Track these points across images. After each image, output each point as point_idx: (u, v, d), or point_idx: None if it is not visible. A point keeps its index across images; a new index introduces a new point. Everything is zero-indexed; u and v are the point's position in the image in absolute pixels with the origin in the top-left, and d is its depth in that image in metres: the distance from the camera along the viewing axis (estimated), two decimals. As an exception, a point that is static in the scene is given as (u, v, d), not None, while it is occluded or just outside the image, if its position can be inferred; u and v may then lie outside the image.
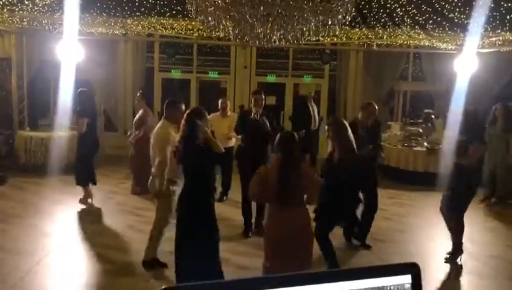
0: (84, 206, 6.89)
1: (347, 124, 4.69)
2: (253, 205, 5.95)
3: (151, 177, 4.81)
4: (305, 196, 3.91)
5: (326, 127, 4.73)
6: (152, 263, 4.83)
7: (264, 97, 6.08)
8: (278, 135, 4.07)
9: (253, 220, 6.01)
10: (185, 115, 4.24)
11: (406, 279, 0.77)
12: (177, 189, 4.72)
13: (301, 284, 0.69)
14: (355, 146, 4.61)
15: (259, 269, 4.29)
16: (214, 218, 4.25)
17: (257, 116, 5.86)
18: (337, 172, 4.53)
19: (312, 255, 4.03)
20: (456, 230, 5.25)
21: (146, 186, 6.68)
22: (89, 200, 7.01)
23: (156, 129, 4.83)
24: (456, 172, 5.15)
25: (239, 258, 5.17)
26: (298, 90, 11.95)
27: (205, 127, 4.19)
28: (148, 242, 4.85)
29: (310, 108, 9.29)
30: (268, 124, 5.88)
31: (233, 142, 7.30)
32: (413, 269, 0.77)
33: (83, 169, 6.98)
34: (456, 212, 5.20)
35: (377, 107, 5.89)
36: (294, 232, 3.82)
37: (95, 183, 7.10)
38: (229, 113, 7.55)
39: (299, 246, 3.86)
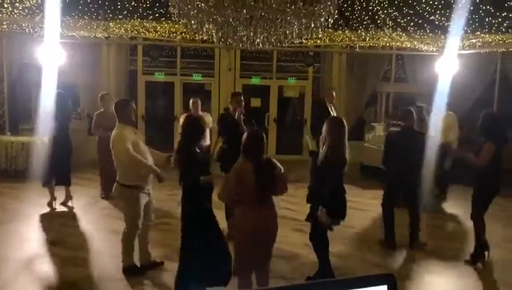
0: (76, 212, 6.89)
1: (346, 127, 4.71)
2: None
3: (115, 185, 4.75)
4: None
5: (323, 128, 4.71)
6: (131, 270, 4.78)
7: (243, 98, 6.11)
8: (245, 133, 4.08)
9: None
10: (181, 127, 4.31)
11: None
12: (144, 196, 4.68)
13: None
14: (346, 150, 4.62)
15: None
16: (215, 219, 4.30)
17: (241, 117, 5.88)
18: (324, 172, 4.54)
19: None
20: (475, 231, 5.32)
21: (107, 191, 6.73)
22: (53, 203, 7.01)
23: (112, 133, 4.74)
24: (474, 174, 5.27)
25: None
26: (283, 92, 12.02)
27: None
28: (123, 250, 4.80)
29: (331, 111, 8.79)
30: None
31: (207, 141, 7.33)
32: (389, 280, 0.77)
33: (49, 170, 6.92)
34: (475, 213, 5.29)
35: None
36: (265, 229, 3.91)
37: (69, 185, 7.09)
38: (200, 113, 7.56)
39: (266, 242, 3.98)
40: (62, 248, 5.54)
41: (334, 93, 9.19)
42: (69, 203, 7.08)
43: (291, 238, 5.75)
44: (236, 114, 5.91)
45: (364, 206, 7.44)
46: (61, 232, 6.10)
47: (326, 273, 4.62)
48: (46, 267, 5.00)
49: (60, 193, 7.11)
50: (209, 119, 7.63)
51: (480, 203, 5.24)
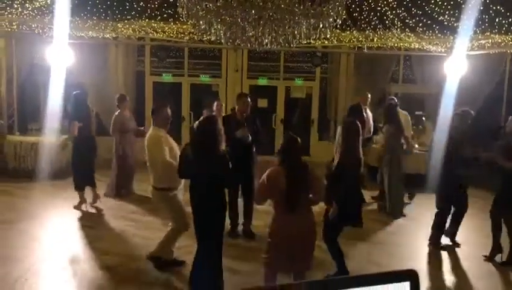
0: (80, 213, 6.87)
1: (360, 131, 4.71)
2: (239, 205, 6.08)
3: (152, 190, 4.78)
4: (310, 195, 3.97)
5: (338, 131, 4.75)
6: (156, 260, 4.81)
7: (249, 100, 6.11)
8: (284, 138, 4.12)
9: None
10: (197, 125, 4.30)
11: (405, 286, 0.77)
12: (177, 192, 4.71)
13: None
14: (361, 154, 4.66)
15: (252, 272, 4.28)
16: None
17: (244, 119, 5.93)
18: (341, 175, 4.57)
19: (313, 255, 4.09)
20: (509, 231, 5.30)
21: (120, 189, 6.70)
22: (83, 206, 6.98)
23: (147, 135, 4.84)
24: (504, 175, 5.25)
25: (230, 262, 5.10)
26: (290, 93, 11.99)
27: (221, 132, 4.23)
28: (163, 240, 4.81)
29: (365, 115, 8.11)
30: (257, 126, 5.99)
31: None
32: (412, 276, 0.76)
33: (77, 173, 6.97)
34: (507, 214, 5.28)
35: None
36: (302, 233, 3.90)
37: (94, 186, 7.09)
38: (223, 114, 7.63)
39: (306, 247, 3.96)
40: (71, 248, 5.57)
41: (369, 96, 8.78)
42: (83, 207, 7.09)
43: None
44: (238, 117, 5.95)
45: (371, 207, 7.43)
46: (70, 233, 6.13)
47: (342, 273, 4.65)
48: (55, 267, 5.02)
49: (68, 192, 7.14)
50: None
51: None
